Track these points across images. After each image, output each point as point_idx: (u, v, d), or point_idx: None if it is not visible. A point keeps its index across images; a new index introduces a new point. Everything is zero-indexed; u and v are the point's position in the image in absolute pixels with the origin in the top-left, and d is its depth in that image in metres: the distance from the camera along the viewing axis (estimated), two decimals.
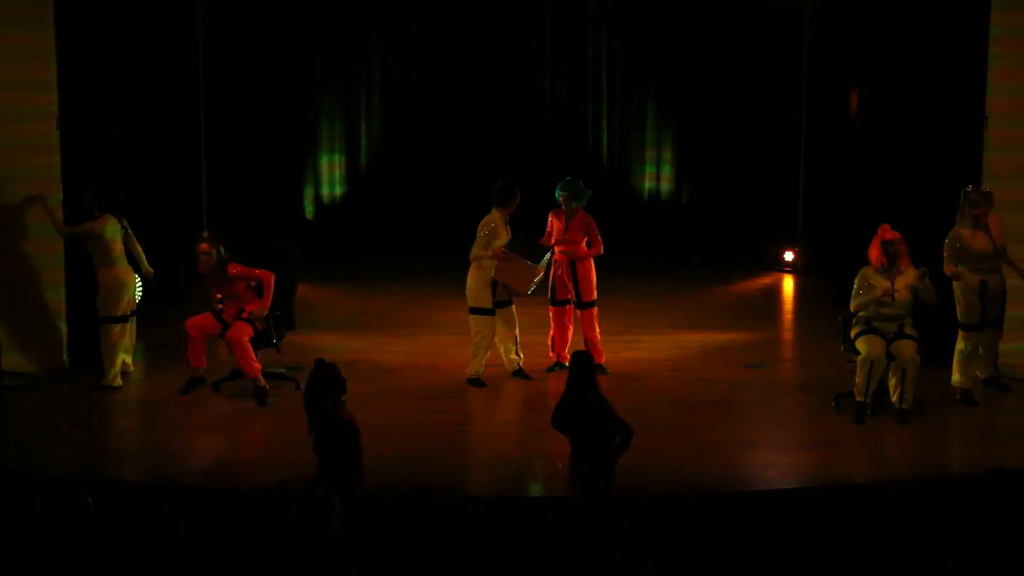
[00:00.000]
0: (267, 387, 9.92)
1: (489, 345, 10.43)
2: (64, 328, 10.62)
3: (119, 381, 10.32)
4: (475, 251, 10.29)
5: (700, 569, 5.67)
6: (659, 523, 7.16)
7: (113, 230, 10.26)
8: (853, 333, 9.58)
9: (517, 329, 10.56)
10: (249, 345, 9.89)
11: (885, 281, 9.38)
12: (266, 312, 9.97)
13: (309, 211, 15.93)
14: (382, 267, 15.25)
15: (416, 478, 7.97)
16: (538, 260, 10.33)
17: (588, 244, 10.70)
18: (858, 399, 9.44)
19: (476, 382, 10.42)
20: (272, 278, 9.95)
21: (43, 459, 8.78)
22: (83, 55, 10.66)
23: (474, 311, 10.38)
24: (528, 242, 10.46)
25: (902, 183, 11.38)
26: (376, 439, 9.12)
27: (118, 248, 10.30)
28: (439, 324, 12.20)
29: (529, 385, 10.34)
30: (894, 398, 9.45)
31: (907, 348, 9.39)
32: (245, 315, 9.97)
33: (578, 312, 10.78)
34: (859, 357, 9.38)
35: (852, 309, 9.54)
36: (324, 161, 15.96)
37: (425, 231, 15.51)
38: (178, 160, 13.29)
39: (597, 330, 10.77)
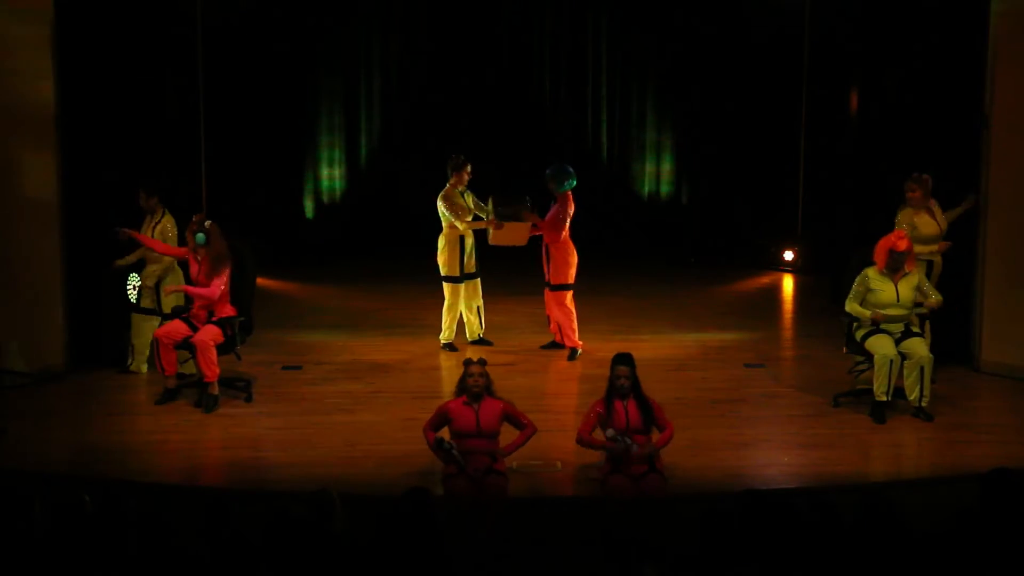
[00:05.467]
0: (218, 396, 9.82)
1: (457, 311, 11.24)
2: (64, 327, 10.62)
3: (145, 368, 10.56)
4: (462, 225, 11.07)
5: (700, 569, 5.66)
6: (659, 523, 7.16)
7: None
8: (860, 335, 9.57)
9: (480, 299, 11.28)
10: (215, 350, 9.74)
11: (888, 283, 9.43)
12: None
13: (309, 210, 15.93)
14: (382, 267, 15.24)
15: (416, 478, 7.98)
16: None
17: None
18: (880, 399, 9.45)
19: (449, 347, 11.29)
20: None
21: (43, 459, 8.79)
22: (83, 55, 10.66)
23: (444, 279, 11.21)
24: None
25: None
26: (376, 439, 9.16)
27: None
28: (438, 324, 12.17)
29: (527, 385, 10.31)
30: (912, 397, 9.47)
31: (920, 346, 9.48)
32: (215, 317, 9.84)
33: (548, 293, 11.05)
34: (876, 359, 9.38)
35: (847, 310, 9.59)
36: (324, 161, 15.96)
37: (425, 231, 15.47)
38: (178, 160, 13.27)
39: (568, 314, 10.99)
